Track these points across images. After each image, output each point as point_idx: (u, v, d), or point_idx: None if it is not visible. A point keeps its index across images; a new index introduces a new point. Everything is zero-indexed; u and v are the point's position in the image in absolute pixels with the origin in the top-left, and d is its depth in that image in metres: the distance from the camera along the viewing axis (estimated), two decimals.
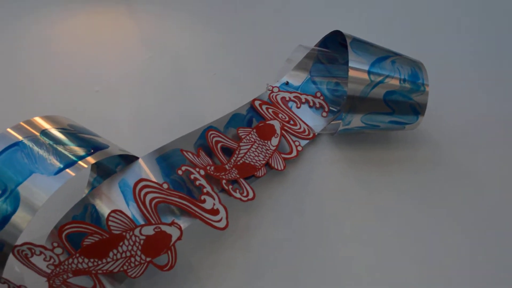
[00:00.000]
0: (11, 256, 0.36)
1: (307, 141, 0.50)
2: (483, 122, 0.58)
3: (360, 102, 0.46)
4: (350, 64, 0.45)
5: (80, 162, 0.37)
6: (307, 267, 0.45)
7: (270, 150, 0.48)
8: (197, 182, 0.40)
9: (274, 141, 0.48)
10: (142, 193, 0.37)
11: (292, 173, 0.49)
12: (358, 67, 0.45)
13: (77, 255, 0.36)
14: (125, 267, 0.37)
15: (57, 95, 0.53)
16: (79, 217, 0.39)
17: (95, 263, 0.36)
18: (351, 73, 0.45)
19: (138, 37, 0.61)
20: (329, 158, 0.50)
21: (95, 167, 0.46)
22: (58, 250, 0.35)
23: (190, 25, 0.65)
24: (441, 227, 0.48)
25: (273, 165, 0.47)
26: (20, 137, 0.37)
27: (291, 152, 0.49)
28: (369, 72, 0.46)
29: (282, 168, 0.47)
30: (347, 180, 0.49)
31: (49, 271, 0.37)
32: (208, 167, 0.42)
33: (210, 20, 0.66)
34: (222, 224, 0.40)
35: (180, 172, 0.40)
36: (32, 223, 0.37)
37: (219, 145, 0.45)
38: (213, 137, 0.45)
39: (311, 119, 0.52)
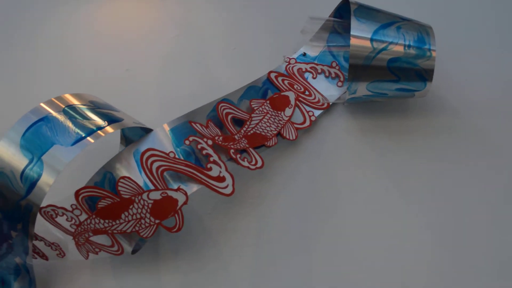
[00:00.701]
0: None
1: (321, 111, 0.51)
2: (504, 88, 0.55)
3: (363, 71, 0.46)
4: (352, 32, 0.45)
5: (96, 133, 0.41)
6: (320, 235, 0.47)
7: (283, 121, 0.49)
8: (204, 152, 0.43)
9: (288, 111, 0.50)
10: (149, 161, 0.41)
11: (305, 143, 0.50)
12: (360, 35, 0.46)
13: (93, 216, 0.40)
14: (136, 228, 0.41)
15: (93, 73, 0.58)
16: (99, 183, 0.44)
17: (110, 224, 0.41)
18: (353, 41, 0.45)
19: (166, 17, 0.64)
20: (343, 127, 0.51)
21: (124, 139, 0.51)
22: (77, 212, 0.40)
23: (212, 2, 0.68)
24: (461, 194, 0.48)
25: (284, 134, 0.49)
26: (47, 112, 0.42)
27: (304, 122, 0.50)
28: (371, 40, 0.46)
29: (294, 137, 0.49)
30: (361, 148, 0.50)
31: (72, 230, 0.42)
32: (216, 137, 0.45)
33: None
34: (228, 191, 0.43)
35: (187, 142, 0.43)
36: (63, 190, 0.42)
37: (229, 116, 0.47)
38: (224, 109, 0.47)
39: (326, 89, 0.53)
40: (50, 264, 0.50)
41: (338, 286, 0.44)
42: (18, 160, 0.40)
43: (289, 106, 0.50)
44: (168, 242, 0.48)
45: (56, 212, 0.41)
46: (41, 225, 0.44)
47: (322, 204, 0.48)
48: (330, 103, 0.52)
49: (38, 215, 0.41)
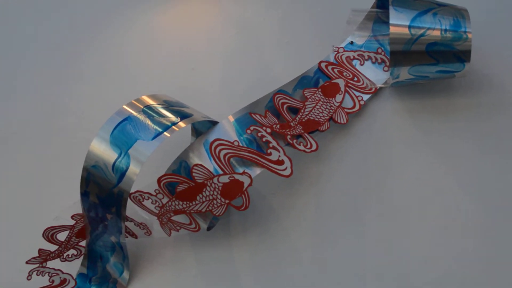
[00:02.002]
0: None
1: (370, 95, 0.55)
2: None
3: (403, 56, 0.50)
4: (390, 21, 0.49)
5: (171, 128, 0.48)
6: (372, 210, 0.51)
7: (334, 106, 0.54)
8: (264, 139, 0.49)
9: (338, 97, 0.55)
10: (217, 149, 0.48)
11: (356, 126, 0.55)
12: (398, 23, 0.49)
13: (174, 199, 0.47)
14: (210, 208, 0.48)
15: (162, 74, 0.65)
16: (176, 170, 0.51)
17: (187, 205, 0.48)
18: (392, 29, 0.49)
19: (225, 17, 0.70)
20: (391, 109, 0.55)
21: (194, 132, 0.58)
22: (160, 196, 0.47)
23: (263, 1, 0.73)
24: (508, 171, 0.50)
25: (336, 119, 0.53)
26: (129, 113, 0.50)
27: (354, 107, 0.55)
28: (409, 27, 0.49)
29: (345, 121, 0.54)
30: (408, 128, 0.54)
31: (156, 211, 0.49)
32: (274, 125, 0.50)
33: None
34: (287, 172, 0.49)
35: (248, 131, 0.49)
36: (145, 177, 0.50)
37: (285, 106, 0.53)
38: (280, 99, 0.53)
39: (374, 74, 0.57)
40: (139, 241, 0.58)
41: (389, 257, 0.49)
42: (109, 154, 0.48)
43: (340, 93, 0.55)
44: (238, 220, 0.55)
45: (143, 196, 0.48)
46: (130, 208, 0.51)
47: (373, 182, 0.52)
48: (378, 87, 0.56)
49: (128, 200, 0.48)
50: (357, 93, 0.55)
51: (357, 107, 0.54)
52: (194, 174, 0.46)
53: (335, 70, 0.57)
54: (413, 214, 0.50)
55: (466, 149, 0.52)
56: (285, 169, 0.49)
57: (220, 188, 0.47)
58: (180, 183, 0.47)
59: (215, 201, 0.47)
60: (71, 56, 0.70)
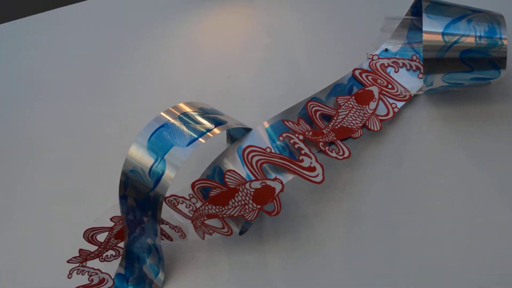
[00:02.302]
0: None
1: (404, 102, 0.55)
2: None
3: (437, 64, 0.49)
4: (424, 29, 0.49)
5: (206, 134, 0.49)
6: (407, 217, 0.51)
7: (368, 114, 0.54)
8: (296, 146, 0.50)
9: (372, 105, 0.55)
10: (250, 156, 0.48)
11: (390, 133, 0.54)
12: (432, 30, 0.49)
13: (207, 203, 0.49)
14: (242, 212, 0.49)
15: (199, 82, 0.67)
16: (210, 176, 0.52)
17: (220, 209, 0.49)
18: (425, 37, 0.49)
19: (259, 26, 0.71)
20: (426, 116, 0.54)
21: (229, 138, 0.59)
22: (194, 200, 0.49)
23: (299, 7, 0.73)
24: None
25: (369, 126, 0.53)
26: (166, 119, 0.51)
27: (387, 114, 0.54)
28: (443, 34, 0.49)
29: (378, 128, 0.53)
30: (443, 135, 0.53)
31: (190, 215, 0.51)
32: (307, 133, 0.51)
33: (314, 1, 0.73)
34: (318, 179, 0.49)
35: (281, 138, 0.50)
36: (181, 181, 0.51)
37: (318, 113, 0.53)
38: (313, 107, 0.53)
39: (408, 81, 0.56)
40: (175, 244, 0.60)
41: (426, 266, 0.49)
42: (146, 159, 0.50)
43: (373, 100, 0.55)
44: (270, 225, 0.56)
45: (177, 200, 0.50)
46: (166, 212, 0.53)
47: (408, 188, 0.52)
48: (412, 95, 0.55)
49: (163, 203, 0.50)
50: (391, 101, 0.55)
51: (391, 115, 0.54)
52: (226, 179, 0.47)
53: (369, 77, 0.57)
54: (448, 222, 0.50)
55: (503, 156, 0.51)
56: (316, 176, 0.49)
57: (252, 193, 0.48)
58: (213, 188, 0.48)
59: (247, 206, 0.48)
60: (113, 65, 0.73)
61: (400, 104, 0.55)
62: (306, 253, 0.53)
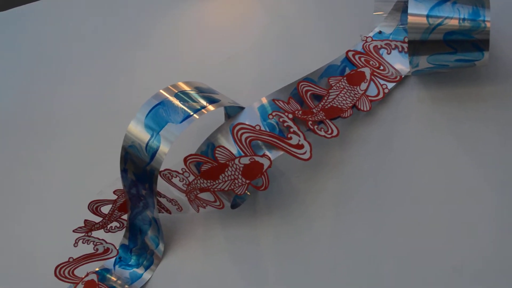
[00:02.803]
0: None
1: (394, 83, 0.56)
2: None
3: (421, 45, 0.50)
4: (409, 11, 0.50)
5: (200, 111, 0.52)
6: (394, 196, 0.52)
7: (358, 94, 0.56)
8: (285, 124, 0.52)
9: (363, 86, 0.56)
10: (239, 133, 0.51)
11: (380, 114, 0.56)
12: (417, 13, 0.50)
13: (199, 177, 0.51)
14: (232, 187, 0.51)
15: (200, 62, 0.69)
16: (205, 151, 0.55)
17: (211, 183, 0.51)
18: (410, 19, 0.50)
19: (258, 7, 0.73)
20: (416, 98, 0.55)
21: (227, 117, 0.61)
22: (186, 174, 0.51)
23: None
24: None
25: (359, 106, 0.55)
26: (164, 97, 0.54)
27: (378, 94, 0.56)
28: (427, 16, 0.49)
29: (368, 109, 0.55)
30: (432, 116, 0.54)
31: (184, 188, 0.53)
32: (296, 112, 0.53)
33: None
34: (306, 156, 0.51)
35: (270, 117, 0.52)
36: (179, 157, 0.54)
37: (309, 93, 0.55)
38: (304, 87, 0.55)
39: (400, 63, 0.57)
40: (174, 217, 0.63)
41: (413, 243, 0.50)
42: (143, 135, 0.53)
43: (365, 81, 0.56)
44: (263, 201, 0.58)
45: (171, 174, 0.52)
46: (163, 186, 0.56)
47: (396, 168, 0.53)
48: (403, 76, 0.56)
49: (159, 177, 0.53)
50: (382, 82, 0.56)
51: (381, 95, 0.55)
52: (217, 155, 0.50)
53: (362, 59, 0.58)
54: (435, 202, 0.51)
55: (491, 137, 0.52)
56: (304, 153, 0.51)
57: (241, 168, 0.50)
58: (204, 163, 0.50)
59: (236, 181, 0.50)
60: (117, 47, 0.76)
61: (390, 85, 0.56)
62: (297, 228, 0.55)
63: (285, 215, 0.56)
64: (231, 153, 0.50)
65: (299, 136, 0.51)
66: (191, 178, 0.51)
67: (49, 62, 0.84)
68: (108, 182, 0.61)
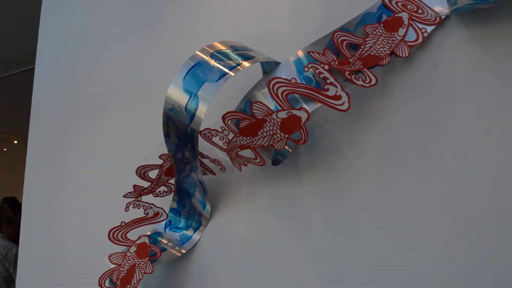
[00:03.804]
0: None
1: (434, 26, 0.53)
2: None
3: None
4: None
5: (235, 68, 0.52)
6: (438, 143, 0.51)
7: (396, 40, 0.54)
8: (321, 75, 0.51)
9: (401, 31, 0.54)
10: (275, 87, 0.50)
11: (420, 59, 0.54)
12: None
13: (238, 134, 0.52)
14: (271, 142, 0.51)
15: (237, 22, 0.68)
16: (243, 109, 0.55)
17: (251, 140, 0.51)
18: None
19: None
20: (457, 38, 0.52)
21: (263, 73, 0.61)
22: (226, 132, 0.52)
23: None
24: None
25: (398, 53, 0.53)
26: (200, 58, 0.54)
27: (417, 39, 0.53)
28: None
29: (407, 54, 0.53)
30: (475, 56, 0.51)
31: (225, 147, 0.54)
32: (332, 62, 0.52)
33: None
34: (344, 107, 0.50)
35: (306, 69, 0.51)
36: (215, 116, 0.54)
37: (344, 43, 0.53)
38: (339, 37, 0.54)
39: (439, 4, 0.54)
40: (218, 178, 0.64)
41: (454, 189, 0.49)
42: (182, 97, 0.53)
43: (403, 26, 0.54)
44: (306, 157, 0.58)
45: (211, 133, 0.53)
46: (205, 146, 0.57)
47: (440, 114, 0.51)
48: (443, 17, 0.54)
49: (200, 138, 0.54)
50: (421, 25, 0.54)
51: (420, 40, 0.53)
52: (254, 110, 0.50)
53: (399, 4, 0.56)
54: (480, 146, 0.49)
55: None
56: (342, 104, 0.50)
57: (279, 123, 0.50)
58: (242, 120, 0.50)
59: (275, 136, 0.50)
60: (154, 15, 0.77)
61: (430, 29, 0.54)
62: (340, 183, 0.55)
63: (328, 170, 0.56)
64: (268, 108, 0.50)
65: (336, 87, 0.50)
66: (231, 136, 0.52)
67: (91, 44, 0.87)
68: (153, 147, 0.62)
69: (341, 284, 0.53)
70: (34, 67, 0.97)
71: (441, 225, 0.49)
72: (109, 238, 0.60)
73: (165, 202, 0.65)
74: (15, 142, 5.13)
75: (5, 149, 5.25)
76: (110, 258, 0.61)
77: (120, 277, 0.60)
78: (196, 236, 0.63)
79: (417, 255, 0.49)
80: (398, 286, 0.50)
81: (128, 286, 0.58)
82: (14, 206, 2.72)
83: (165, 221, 0.65)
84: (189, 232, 0.64)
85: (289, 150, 0.57)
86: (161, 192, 0.64)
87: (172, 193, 0.65)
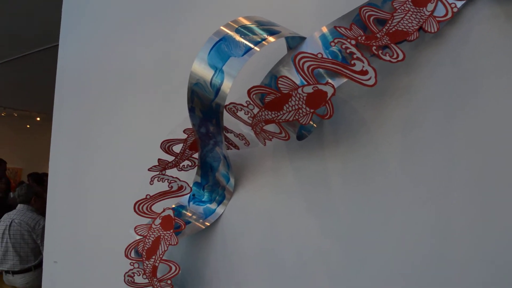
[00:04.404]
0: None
1: (464, 1, 0.52)
2: None
3: None
4: None
5: (260, 43, 0.52)
6: (466, 120, 0.50)
7: (425, 15, 0.53)
8: (348, 50, 0.50)
9: (430, 6, 0.53)
10: (301, 62, 0.50)
11: (449, 35, 0.53)
12: None
13: (263, 109, 0.52)
14: (296, 117, 0.51)
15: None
16: (268, 84, 0.55)
17: (276, 114, 0.52)
18: None
19: None
20: (488, 15, 0.51)
21: (288, 49, 0.61)
22: (251, 107, 0.52)
23: None
24: None
25: (426, 28, 0.52)
26: (225, 33, 0.54)
27: (446, 14, 0.52)
28: None
29: (436, 30, 0.52)
30: (507, 34, 0.50)
31: (250, 121, 0.54)
32: (359, 37, 0.51)
33: None
34: (371, 82, 0.50)
35: (332, 44, 0.51)
36: (239, 91, 0.55)
37: (372, 18, 0.53)
38: (366, 12, 0.53)
39: None
40: (242, 153, 0.64)
41: (480, 164, 0.49)
42: (207, 72, 0.54)
43: (431, 1, 0.53)
44: (330, 132, 0.58)
45: (236, 107, 0.53)
46: (230, 121, 0.57)
47: (469, 91, 0.51)
48: None
49: (225, 112, 0.54)
50: (451, 0, 0.53)
51: (449, 15, 0.52)
52: (280, 85, 0.50)
53: None
54: (508, 123, 0.48)
55: None
56: (369, 79, 0.50)
57: (304, 98, 0.50)
58: (268, 94, 0.51)
59: (300, 111, 0.51)
60: None
61: (459, 4, 0.53)
62: (364, 157, 0.55)
63: (353, 146, 0.56)
64: (294, 82, 0.50)
65: (363, 62, 0.50)
66: (256, 110, 0.52)
67: (115, 20, 0.87)
68: (178, 122, 0.63)
69: (363, 260, 0.53)
70: (57, 45, 0.99)
71: (469, 197, 0.49)
72: (135, 210, 0.61)
73: (189, 177, 0.66)
74: (38, 119, 5.22)
75: (28, 126, 5.35)
76: (136, 229, 0.62)
77: (146, 248, 0.61)
78: (219, 210, 0.64)
79: (444, 229, 0.49)
80: (424, 260, 0.50)
81: (153, 257, 0.60)
82: (38, 181, 2.81)
83: (188, 195, 0.66)
84: (212, 206, 0.65)
85: (314, 125, 0.57)
86: (185, 166, 0.65)
87: (196, 168, 0.66)
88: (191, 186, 0.65)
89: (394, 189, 0.53)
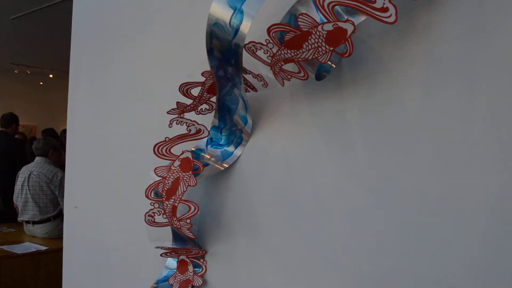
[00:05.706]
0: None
1: None
2: None
3: None
4: None
5: None
6: (486, 57, 0.50)
7: None
8: None
9: None
10: None
11: None
12: None
13: (282, 47, 0.52)
14: (315, 55, 0.51)
15: None
16: (287, 22, 0.55)
17: (295, 53, 0.52)
18: None
19: None
20: None
21: None
22: (270, 45, 0.52)
23: None
24: None
25: None
26: None
27: None
28: None
29: None
30: None
31: (269, 61, 0.54)
32: None
33: None
34: (391, 19, 0.49)
35: None
36: (259, 30, 0.54)
37: None
38: None
39: None
40: (260, 95, 0.64)
41: (500, 109, 0.48)
42: (225, 13, 0.53)
43: None
44: (348, 72, 0.57)
45: (256, 47, 0.53)
46: (248, 62, 0.57)
47: (492, 30, 0.49)
48: None
49: (244, 52, 0.54)
50: None
51: None
52: (299, 23, 0.50)
53: None
54: None
55: None
56: (389, 16, 0.49)
57: (324, 35, 0.49)
58: (288, 32, 0.50)
59: (320, 49, 0.50)
60: None
61: None
62: (383, 99, 0.55)
63: (372, 86, 0.56)
64: (314, 20, 0.49)
65: None
66: (275, 49, 0.52)
67: None
68: (196, 64, 0.63)
69: (381, 199, 0.54)
70: None
71: (487, 148, 0.49)
72: (154, 152, 0.62)
73: (207, 121, 0.67)
74: (51, 76, 5.25)
75: (41, 83, 5.39)
76: (156, 171, 0.64)
77: (165, 189, 0.63)
78: (237, 152, 0.65)
79: (460, 177, 0.50)
80: (441, 202, 0.51)
81: (173, 197, 0.61)
82: (52, 136, 2.86)
83: (206, 139, 0.67)
84: (230, 148, 0.66)
85: (333, 65, 0.57)
86: (203, 110, 0.66)
87: (214, 111, 0.66)
88: (209, 129, 0.65)
89: (412, 131, 0.53)
